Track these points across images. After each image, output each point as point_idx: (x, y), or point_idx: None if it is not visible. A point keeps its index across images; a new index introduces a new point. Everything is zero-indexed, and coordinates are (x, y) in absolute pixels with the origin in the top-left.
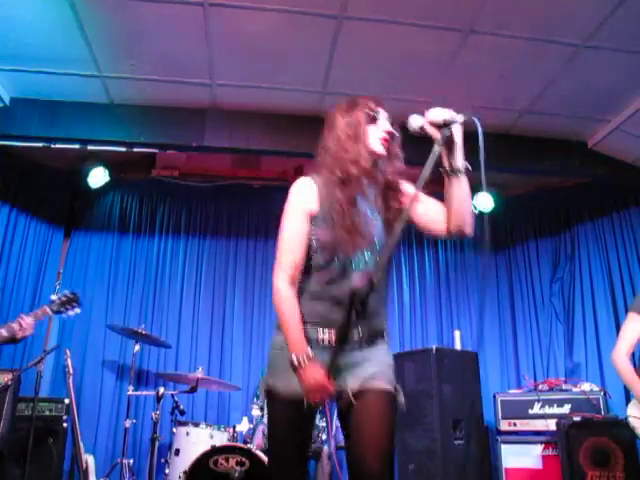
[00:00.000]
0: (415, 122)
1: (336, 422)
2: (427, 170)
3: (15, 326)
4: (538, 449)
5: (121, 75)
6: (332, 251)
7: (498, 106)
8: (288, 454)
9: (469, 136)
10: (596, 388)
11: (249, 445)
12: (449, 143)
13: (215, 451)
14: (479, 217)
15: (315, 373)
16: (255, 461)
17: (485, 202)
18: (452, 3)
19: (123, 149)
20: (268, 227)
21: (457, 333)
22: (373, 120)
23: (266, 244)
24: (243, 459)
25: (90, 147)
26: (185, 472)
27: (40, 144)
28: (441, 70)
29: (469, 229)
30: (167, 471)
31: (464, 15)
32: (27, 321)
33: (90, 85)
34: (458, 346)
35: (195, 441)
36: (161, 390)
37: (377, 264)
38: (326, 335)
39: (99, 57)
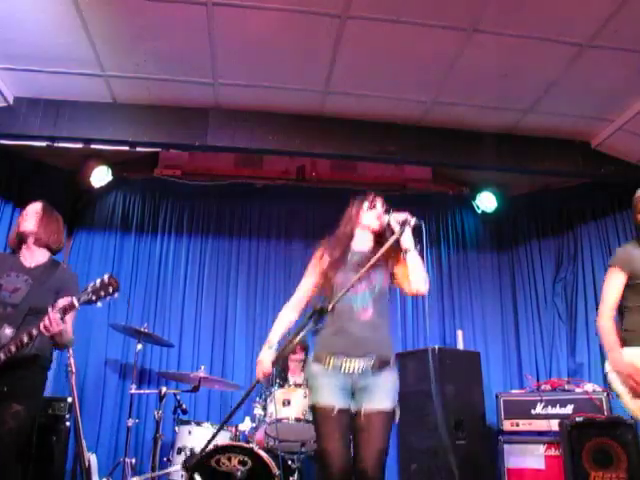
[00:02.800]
0: (386, 218)
1: None
2: (386, 245)
3: (41, 324)
4: (541, 449)
5: (124, 74)
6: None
7: (501, 106)
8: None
9: None
10: (599, 389)
11: (251, 444)
12: (403, 232)
13: (217, 450)
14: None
15: (265, 356)
16: (257, 461)
17: (489, 201)
18: (456, 2)
19: (126, 148)
20: (270, 226)
21: (459, 333)
22: (372, 207)
23: (268, 243)
24: (245, 458)
25: (93, 146)
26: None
27: (43, 143)
28: (444, 69)
29: (423, 288)
30: (169, 470)
31: (468, 14)
32: (50, 316)
33: (93, 84)
34: (461, 346)
35: (198, 440)
36: (163, 389)
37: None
38: (347, 366)
39: (102, 56)
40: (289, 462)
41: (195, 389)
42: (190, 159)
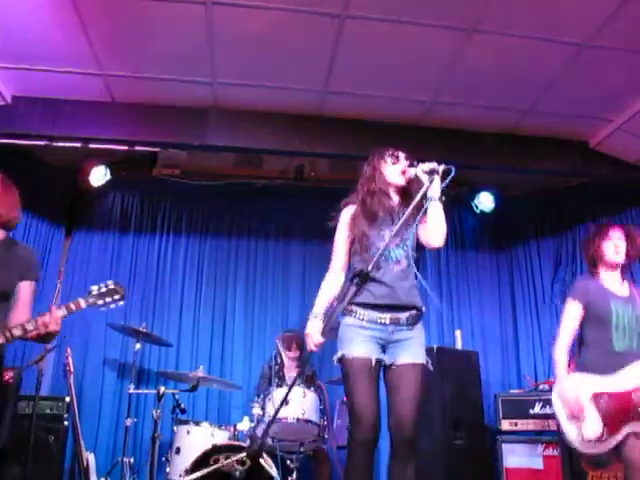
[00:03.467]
0: (412, 171)
1: (337, 422)
2: (416, 200)
3: (40, 320)
4: (539, 449)
5: (123, 73)
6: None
7: (501, 105)
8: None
9: None
10: None
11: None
12: (431, 183)
13: (216, 450)
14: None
15: (313, 327)
16: (256, 460)
17: (487, 201)
18: (456, 2)
19: (124, 147)
20: (269, 226)
21: (458, 333)
22: (392, 161)
23: (267, 243)
24: (244, 458)
25: (91, 145)
26: (186, 470)
27: (41, 142)
28: (444, 69)
29: (437, 242)
30: (168, 470)
31: (468, 14)
32: (54, 314)
33: (92, 83)
34: (459, 346)
35: (196, 439)
36: (162, 389)
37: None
38: (382, 319)
39: (101, 55)
40: (287, 462)
41: (194, 389)
42: (189, 159)
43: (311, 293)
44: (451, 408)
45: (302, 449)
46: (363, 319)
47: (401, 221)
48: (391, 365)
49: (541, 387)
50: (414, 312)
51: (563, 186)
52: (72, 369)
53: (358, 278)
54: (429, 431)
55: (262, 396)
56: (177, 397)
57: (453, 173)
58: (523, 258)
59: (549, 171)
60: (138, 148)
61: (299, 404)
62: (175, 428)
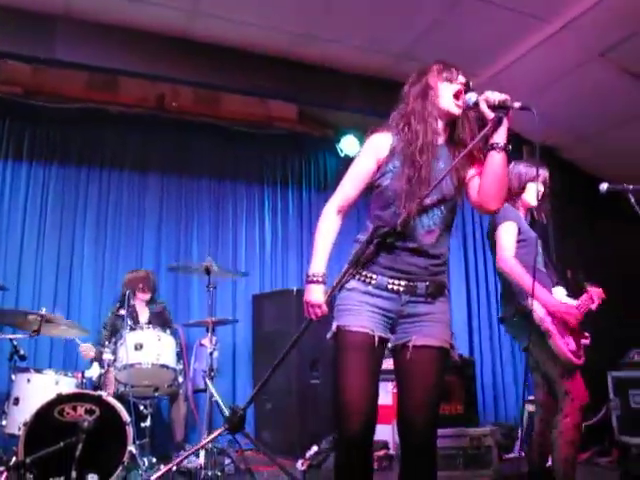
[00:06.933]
0: (471, 99)
1: (194, 365)
2: (477, 139)
3: None
4: (389, 387)
5: None
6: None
7: (375, 48)
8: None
9: None
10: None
11: (100, 392)
12: (498, 123)
13: (61, 399)
14: None
15: (316, 292)
16: (106, 408)
17: (352, 145)
18: None
19: None
20: (125, 157)
21: None
22: (447, 79)
23: (121, 175)
24: (93, 407)
25: None
26: (26, 423)
27: None
28: (322, 3)
29: (493, 205)
30: (4, 422)
31: None
32: None
33: None
34: None
35: (38, 389)
36: None
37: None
38: (395, 285)
39: None
40: (141, 407)
41: (35, 333)
42: (34, 76)
43: (168, 229)
44: (309, 349)
45: (157, 394)
46: (370, 282)
47: (445, 172)
48: (401, 348)
49: None
50: (437, 283)
51: None
52: None
53: (382, 238)
54: (286, 371)
55: (114, 340)
56: (15, 343)
57: (536, 116)
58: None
59: None
60: None
61: (154, 348)
62: (13, 377)
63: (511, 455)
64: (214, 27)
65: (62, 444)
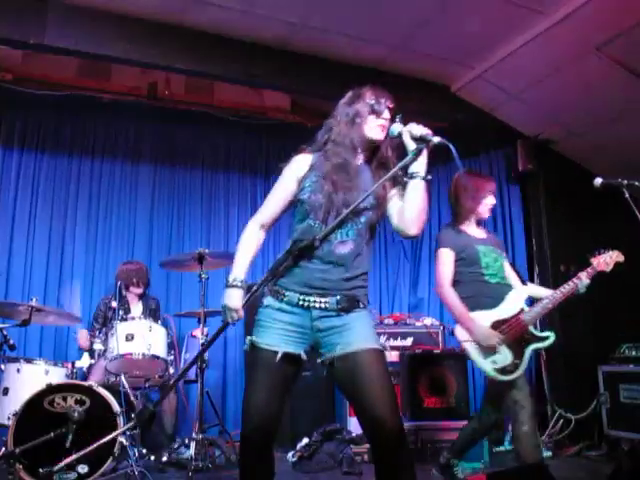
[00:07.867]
0: (395, 129)
1: (185, 356)
2: (397, 168)
3: None
4: None
5: None
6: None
7: (372, 38)
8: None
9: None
10: (436, 322)
11: (90, 382)
12: (418, 154)
13: (51, 390)
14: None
15: (234, 297)
16: (96, 399)
17: None
18: None
19: None
20: (117, 146)
21: None
22: (375, 112)
23: (113, 165)
24: (83, 397)
25: None
26: (15, 414)
27: None
28: None
29: (412, 230)
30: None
31: None
32: None
33: None
34: None
35: (27, 379)
36: None
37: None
38: (305, 302)
39: None
40: (132, 398)
41: (25, 323)
42: (24, 62)
43: (160, 220)
44: None
45: (148, 384)
46: (282, 299)
47: (367, 193)
48: (339, 358)
49: (386, 321)
50: (349, 297)
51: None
52: None
53: (299, 250)
54: None
55: (104, 330)
56: (5, 332)
57: (454, 153)
58: None
59: (410, 111)
60: None
61: (145, 339)
62: (2, 366)
63: (501, 448)
64: (207, 15)
65: (52, 434)
